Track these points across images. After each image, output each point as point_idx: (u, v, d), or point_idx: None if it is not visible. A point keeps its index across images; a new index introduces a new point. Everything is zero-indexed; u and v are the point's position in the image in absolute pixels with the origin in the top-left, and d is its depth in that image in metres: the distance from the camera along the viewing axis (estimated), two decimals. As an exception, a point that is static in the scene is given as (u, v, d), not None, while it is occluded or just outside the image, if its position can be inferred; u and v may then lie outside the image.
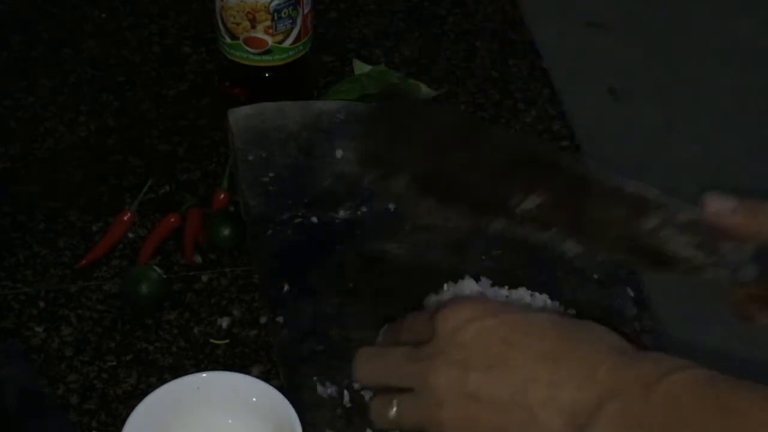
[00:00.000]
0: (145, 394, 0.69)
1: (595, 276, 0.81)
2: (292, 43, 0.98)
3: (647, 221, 0.64)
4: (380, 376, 0.68)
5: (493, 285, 0.74)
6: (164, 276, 0.85)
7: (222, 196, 0.92)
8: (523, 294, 0.73)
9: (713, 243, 0.64)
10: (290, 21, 0.96)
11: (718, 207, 0.64)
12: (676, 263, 0.64)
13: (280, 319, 0.77)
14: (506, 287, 0.74)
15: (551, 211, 0.65)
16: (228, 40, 0.97)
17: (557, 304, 0.74)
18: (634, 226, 0.64)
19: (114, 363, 0.81)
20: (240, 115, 0.91)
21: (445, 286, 0.73)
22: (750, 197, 0.65)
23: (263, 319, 0.84)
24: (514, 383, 0.61)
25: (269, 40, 0.96)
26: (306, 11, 0.97)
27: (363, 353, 0.69)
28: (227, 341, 0.83)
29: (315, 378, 0.72)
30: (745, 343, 1.92)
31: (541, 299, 0.73)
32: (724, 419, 0.54)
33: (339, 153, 0.88)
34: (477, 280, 0.74)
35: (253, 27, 0.95)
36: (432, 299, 0.73)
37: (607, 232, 0.65)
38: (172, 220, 0.90)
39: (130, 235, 0.90)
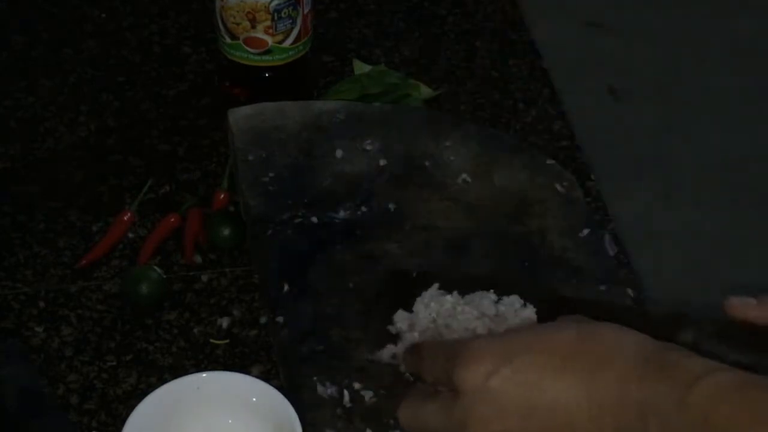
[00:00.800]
0: (145, 394, 0.69)
1: (596, 276, 0.81)
2: (292, 43, 0.98)
3: (684, 335, 0.66)
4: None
5: (483, 290, 0.74)
6: (164, 276, 0.85)
7: (222, 196, 0.92)
8: (514, 301, 0.73)
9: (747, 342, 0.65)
10: (290, 21, 0.96)
11: (741, 303, 0.65)
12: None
13: (280, 319, 0.77)
14: (493, 293, 0.73)
15: None
16: (228, 40, 0.97)
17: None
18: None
19: (114, 363, 0.81)
20: (240, 115, 0.91)
21: (417, 302, 0.73)
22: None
23: (263, 319, 0.84)
24: (555, 426, 0.60)
25: (269, 40, 0.96)
26: (306, 11, 0.97)
27: (405, 406, 0.69)
28: (227, 341, 0.83)
29: (315, 378, 0.72)
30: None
31: (531, 310, 0.72)
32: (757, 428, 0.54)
33: (339, 153, 0.88)
34: (449, 288, 0.74)
35: (253, 27, 0.95)
36: (404, 317, 0.74)
37: None
38: (172, 220, 0.90)
39: (130, 235, 0.90)
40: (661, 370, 0.58)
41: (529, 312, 0.72)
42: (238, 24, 0.96)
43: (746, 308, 0.65)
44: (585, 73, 2.30)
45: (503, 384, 0.61)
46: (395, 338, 0.74)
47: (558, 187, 0.87)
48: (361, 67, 1.07)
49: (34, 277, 0.87)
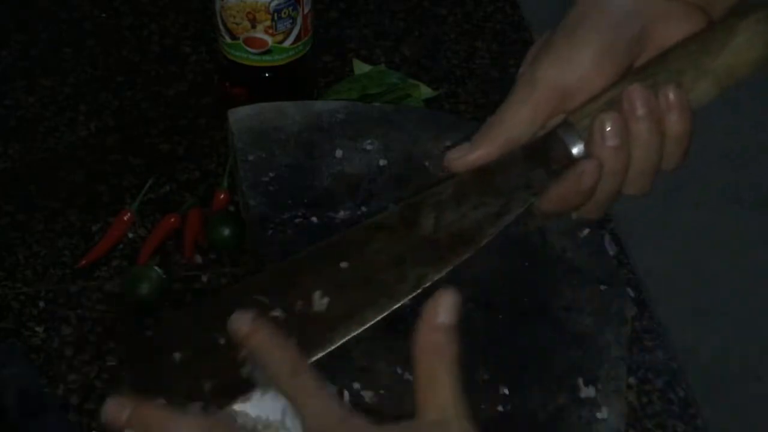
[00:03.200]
0: (145, 394, 0.69)
1: (596, 276, 0.81)
2: (292, 43, 0.98)
3: (423, 225, 0.60)
4: None
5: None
6: (164, 276, 0.85)
7: (222, 196, 0.92)
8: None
9: (489, 183, 0.60)
10: (290, 21, 0.96)
11: (457, 154, 0.61)
12: (481, 230, 0.59)
13: (280, 319, 0.77)
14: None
15: None
16: (228, 40, 0.97)
17: None
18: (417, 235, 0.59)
19: (114, 363, 0.81)
20: (240, 115, 0.91)
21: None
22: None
23: (263, 319, 0.84)
24: None
25: (269, 40, 0.96)
26: (306, 11, 0.97)
27: None
28: (227, 341, 0.82)
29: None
30: (744, 343, 1.92)
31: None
32: None
33: (339, 153, 0.88)
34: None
35: (253, 27, 0.95)
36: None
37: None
38: (172, 220, 0.90)
39: (130, 235, 0.90)
40: None
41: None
42: (238, 24, 0.96)
43: (465, 158, 0.60)
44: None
45: None
46: None
47: (558, 187, 0.87)
48: (361, 67, 1.07)
49: (34, 277, 0.87)
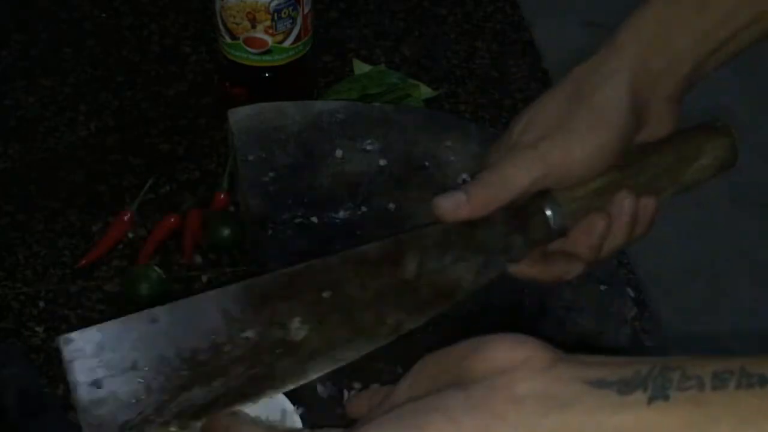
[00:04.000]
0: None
1: (596, 276, 0.81)
2: (292, 43, 0.98)
3: (406, 267, 0.60)
4: None
5: None
6: (164, 276, 0.85)
7: (222, 196, 0.92)
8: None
9: (472, 239, 0.61)
10: (290, 21, 0.96)
11: (450, 205, 0.61)
12: (459, 286, 0.60)
13: (280, 319, 0.77)
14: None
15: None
16: (228, 40, 0.97)
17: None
18: (399, 277, 0.59)
19: (114, 363, 0.81)
20: (240, 115, 0.91)
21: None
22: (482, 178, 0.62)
23: (263, 319, 0.84)
24: None
25: (269, 40, 0.96)
26: (306, 11, 0.97)
27: None
28: (227, 341, 0.82)
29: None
30: (744, 343, 1.92)
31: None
32: None
33: (339, 153, 0.88)
34: None
35: (253, 27, 0.95)
36: None
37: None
38: (172, 220, 0.90)
39: (130, 235, 0.90)
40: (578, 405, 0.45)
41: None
42: (238, 24, 0.96)
43: (458, 210, 0.61)
44: (585, 73, 2.30)
45: None
46: None
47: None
48: (361, 67, 1.07)
49: (34, 277, 0.87)
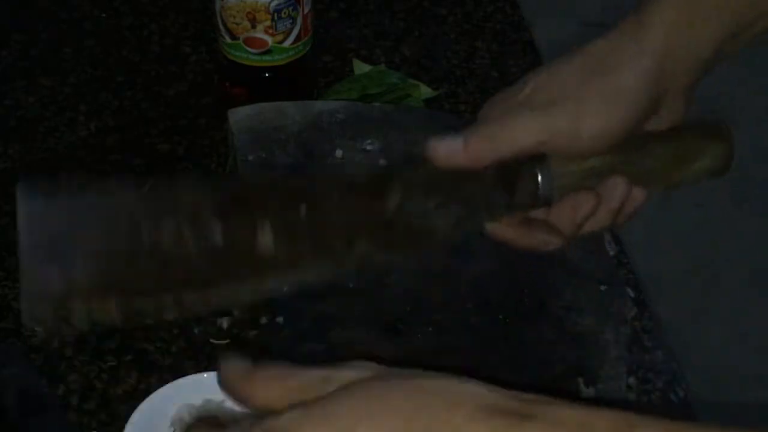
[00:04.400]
0: (145, 394, 0.69)
1: (596, 276, 0.81)
2: (292, 43, 0.98)
3: (387, 202, 0.58)
4: None
5: None
6: (164, 276, 0.85)
7: (222, 196, 0.92)
8: None
9: (458, 189, 0.60)
10: (290, 21, 0.96)
11: (445, 151, 0.60)
12: (434, 234, 0.59)
13: (280, 319, 0.77)
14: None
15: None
16: (228, 40, 0.97)
17: None
18: (377, 210, 0.58)
19: (114, 363, 0.81)
20: (240, 115, 0.91)
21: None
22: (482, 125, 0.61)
23: (263, 319, 0.84)
24: None
25: (269, 40, 0.96)
26: (306, 11, 0.97)
27: None
28: (227, 341, 0.82)
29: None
30: (744, 342, 1.92)
31: None
32: None
33: (339, 153, 0.88)
34: None
35: (253, 27, 0.95)
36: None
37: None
38: (172, 220, 0.90)
39: (130, 235, 0.90)
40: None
41: None
42: (238, 24, 0.96)
43: (453, 157, 0.60)
44: (585, 73, 2.29)
45: None
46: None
47: (558, 187, 0.87)
48: (361, 67, 1.07)
49: (34, 277, 0.87)
